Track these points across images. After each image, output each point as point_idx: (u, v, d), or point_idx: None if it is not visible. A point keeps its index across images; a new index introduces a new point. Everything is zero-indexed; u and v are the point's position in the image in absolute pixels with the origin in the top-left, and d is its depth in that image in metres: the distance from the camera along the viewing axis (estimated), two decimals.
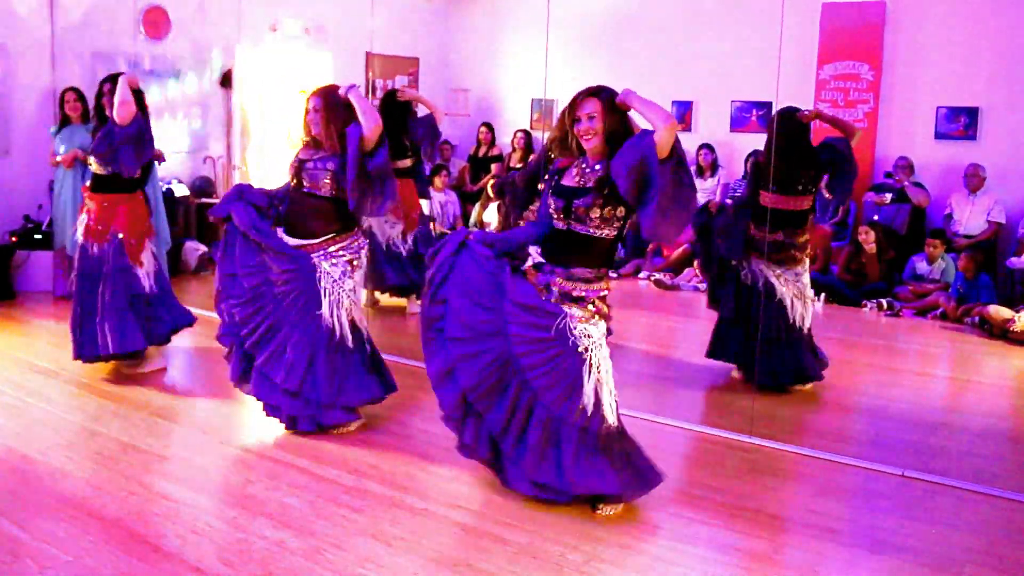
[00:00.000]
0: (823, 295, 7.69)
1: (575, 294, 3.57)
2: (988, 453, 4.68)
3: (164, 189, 8.23)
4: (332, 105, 4.38)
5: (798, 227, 5.34)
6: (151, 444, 4.33)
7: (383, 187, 4.36)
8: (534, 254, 3.66)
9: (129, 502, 3.67)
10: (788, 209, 5.28)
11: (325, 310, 4.39)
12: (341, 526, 3.52)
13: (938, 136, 8.33)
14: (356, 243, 4.54)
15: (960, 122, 8.20)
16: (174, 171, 8.72)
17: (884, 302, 7.68)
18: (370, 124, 4.29)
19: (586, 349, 3.56)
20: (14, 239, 7.58)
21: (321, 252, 4.41)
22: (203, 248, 8.64)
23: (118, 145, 5.15)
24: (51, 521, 3.48)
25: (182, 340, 5.93)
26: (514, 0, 10.25)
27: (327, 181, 4.36)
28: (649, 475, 3.71)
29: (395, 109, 7.12)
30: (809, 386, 5.44)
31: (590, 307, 3.58)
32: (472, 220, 9.79)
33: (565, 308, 3.55)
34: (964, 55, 8.15)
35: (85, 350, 5.31)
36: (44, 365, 5.50)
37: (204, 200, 9.02)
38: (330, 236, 4.44)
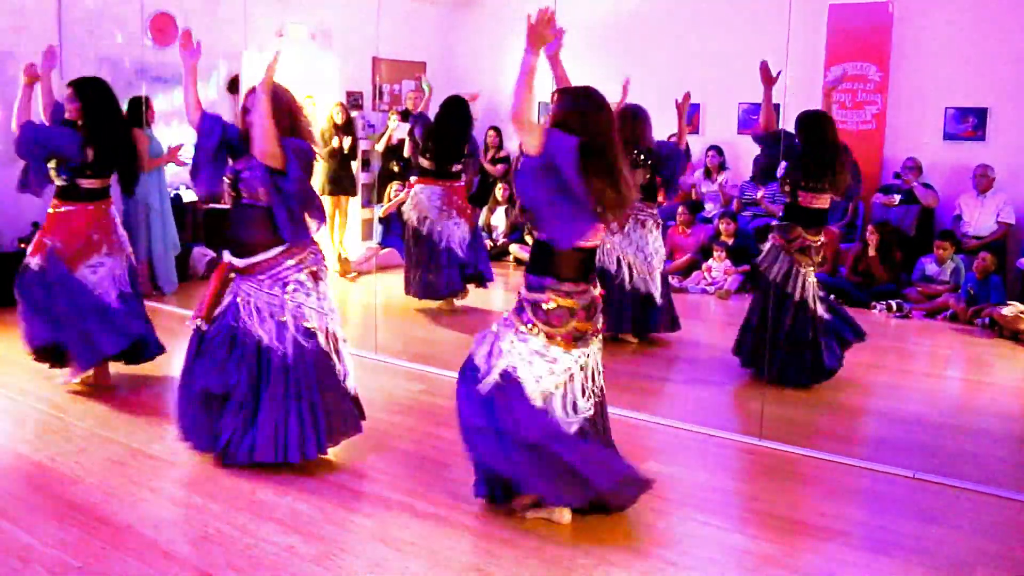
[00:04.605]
0: (832, 297, 7.66)
1: (521, 300, 3.52)
2: (1000, 455, 4.65)
3: (172, 195, 8.26)
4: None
5: (820, 226, 5.48)
6: (160, 450, 4.33)
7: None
8: None
9: (139, 508, 3.67)
10: (816, 207, 5.46)
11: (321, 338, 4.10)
12: (350, 531, 3.52)
13: (947, 137, 8.30)
14: (314, 255, 4.16)
15: (969, 123, 8.17)
16: (182, 177, 8.73)
17: (893, 304, 7.66)
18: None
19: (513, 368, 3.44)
20: (23, 245, 7.60)
21: (277, 270, 4.03)
22: (211, 254, 8.66)
23: None
24: (61, 527, 3.48)
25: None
26: (520, 3, 10.24)
27: (262, 189, 3.99)
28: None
29: (459, 113, 7.23)
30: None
31: (524, 317, 3.47)
32: (480, 224, 9.79)
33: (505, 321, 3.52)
34: (972, 55, 8.12)
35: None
36: (53, 371, 5.50)
37: (212, 206, 9.04)
38: (281, 250, 4.05)
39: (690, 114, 9.36)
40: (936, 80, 8.33)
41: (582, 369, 3.50)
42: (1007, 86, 7.98)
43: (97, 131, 5.03)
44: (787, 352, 5.39)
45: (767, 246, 5.53)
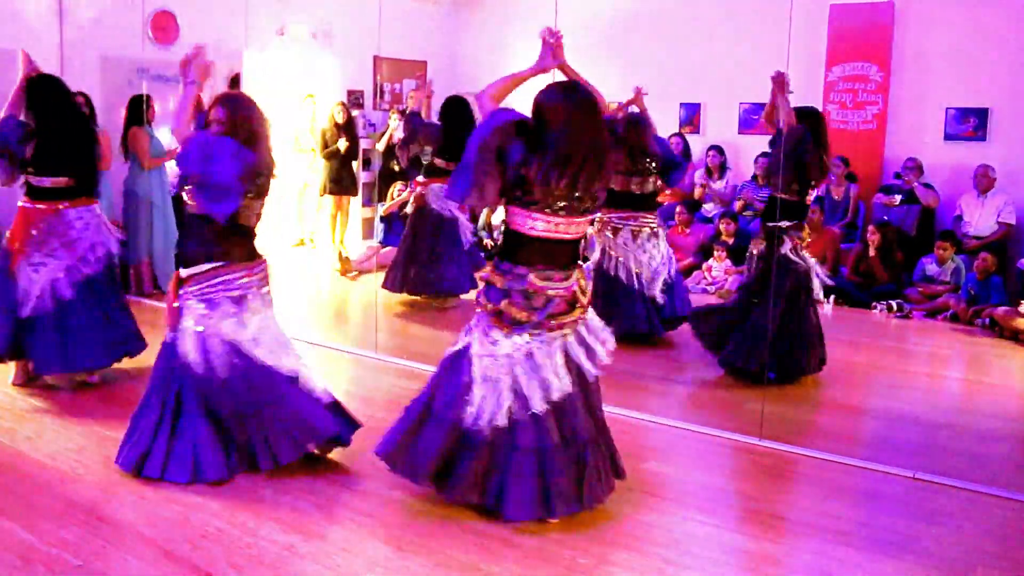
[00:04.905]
0: (832, 296, 7.66)
1: None
2: (999, 454, 4.65)
3: (172, 193, 8.25)
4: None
5: (803, 219, 5.52)
6: None
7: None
8: None
9: (139, 507, 3.67)
10: (808, 202, 5.56)
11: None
12: (351, 530, 3.52)
13: (947, 137, 8.31)
14: (247, 279, 4.06)
15: (969, 123, 8.17)
16: None
17: (894, 304, 7.66)
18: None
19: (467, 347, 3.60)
20: None
21: (203, 287, 3.97)
22: None
23: None
24: (61, 526, 3.48)
25: None
26: (522, 3, 10.25)
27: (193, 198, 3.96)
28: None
29: (463, 112, 7.30)
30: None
31: (479, 294, 3.64)
32: (480, 223, 9.79)
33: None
34: (973, 56, 8.13)
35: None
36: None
37: None
38: (212, 267, 3.98)
39: (691, 114, 9.41)
40: (937, 80, 8.33)
41: (528, 357, 3.47)
42: (1008, 86, 7.99)
43: (41, 128, 4.97)
44: (805, 344, 5.44)
45: (786, 248, 5.43)
